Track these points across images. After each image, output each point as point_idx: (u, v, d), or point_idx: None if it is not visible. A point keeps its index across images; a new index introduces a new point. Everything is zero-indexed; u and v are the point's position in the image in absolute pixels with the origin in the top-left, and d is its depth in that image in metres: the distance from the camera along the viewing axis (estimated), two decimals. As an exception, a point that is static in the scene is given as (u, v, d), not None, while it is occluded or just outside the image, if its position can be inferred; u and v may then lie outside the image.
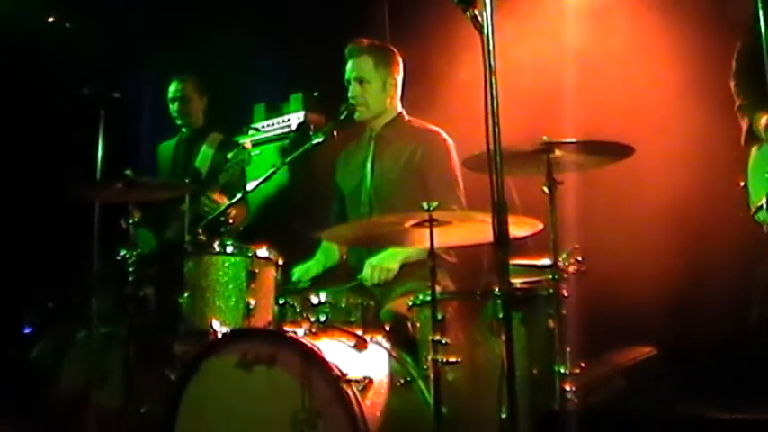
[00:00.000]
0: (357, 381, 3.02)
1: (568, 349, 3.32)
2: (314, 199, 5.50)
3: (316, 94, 6.02)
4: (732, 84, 3.96)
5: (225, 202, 4.74)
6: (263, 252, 3.71)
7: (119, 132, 5.34)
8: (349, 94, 4.42)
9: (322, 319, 3.52)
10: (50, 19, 5.34)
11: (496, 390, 3.26)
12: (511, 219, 3.10)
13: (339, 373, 2.96)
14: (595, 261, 3.48)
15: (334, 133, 4.45)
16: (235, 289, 3.61)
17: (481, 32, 2.80)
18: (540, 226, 3.26)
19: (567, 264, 3.37)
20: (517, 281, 3.45)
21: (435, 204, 3.14)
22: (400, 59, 4.54)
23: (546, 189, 3.30)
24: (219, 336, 3.32)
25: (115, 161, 4.57)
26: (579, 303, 3.56)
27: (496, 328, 3.33)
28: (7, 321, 6.20)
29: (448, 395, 3.16)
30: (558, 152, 3.29)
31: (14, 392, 5.53)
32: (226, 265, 3.62)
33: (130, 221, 3.86)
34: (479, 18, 2.82)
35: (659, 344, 3.96)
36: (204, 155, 5.50)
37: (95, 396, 4.17)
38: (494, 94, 2.77)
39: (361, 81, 4.40)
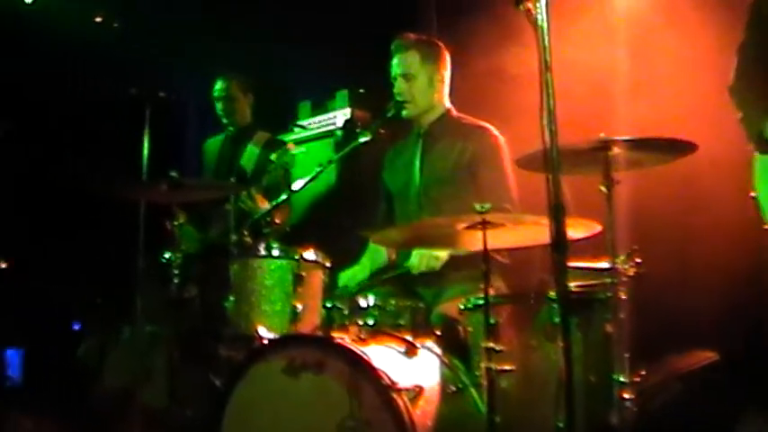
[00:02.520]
0: (407, 389, 2.91)
1: (627, 355, 3.19)
2: (363, 198, 5.40)
3: (361, 90, 5.93)
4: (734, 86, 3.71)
5: (265, 203, 4.66)
6: (310, 255, 3.61)
7: (166, 131, 5.35)
8: (395, 91, 4.31)
9: (370, 323, 3.42)
10: (98, 19, 5.35)
11: (552, 398, 3.16)
12: (569, 220, 3.03)
13: (389, 382, 2.86)
14: (654, 263, 3.34)
15: (381, 131, 4.37)
16: (281, 293, 3.52)
17: (535, 27, 2.67)
18: (599, 228, 3.12)
19: (625, 266, 3.23)
20: (573, 284, 3.32)
21: (488, 206, 3.02)
22: (447, 54, 4.42)
23: (603, 188, 3.16)
24: (266, 341, 3.23)
25: (162, 160, 4.54)
26: (638, 307, 3.44)
27: (551, 333, 3.21)
28: (57, 318, 6.25)
29: (501, 403, 3.05)
30: (615, 150, 3.15)
31: (60, 389, 5.57)
32: (272, 268, 3.54)
33: (175, 222, 3.79)
34: (533, 12, 2.69)
35: (721, 349, 3.79)
36: (250, 154, 5.44)
37: (139, 395, 4.13)
38: (549, 90, 2.64)
39: (407, 77, 4.28)
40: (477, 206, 3.02)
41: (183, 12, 6.30)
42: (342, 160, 5.59)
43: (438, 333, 3.50)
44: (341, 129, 5.82)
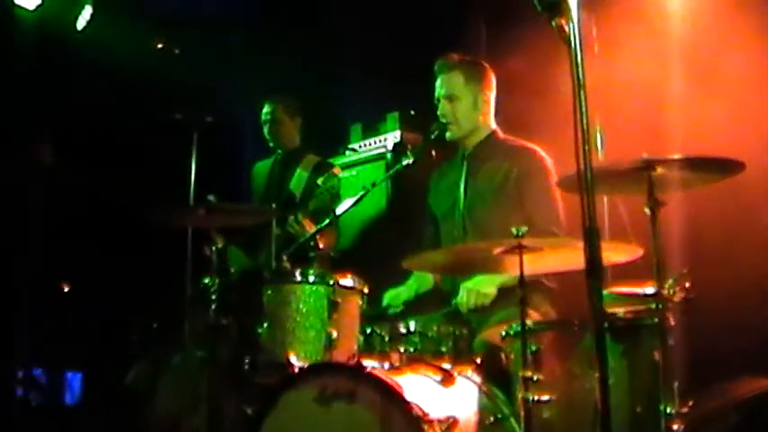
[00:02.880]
0: (440, 421, 2.81)
1: (676, 384, 3.04)
2: (413, 220, 5.32)
3: (412, 112, 5.86)
4: None
5: (313, 227, 4.60)
6: (346, 281, 3.54)
7: (216, 155, 5.37)
8: (439, 112, 4.24)
9: (411, 349, 3.34)
10: (159, 45, 5.39)
11: (595, 429, 3.03)
12: (608, 244, 2.90)
13: (420, 413, 2.76)
14: (705, 286, 3.19)
15: (432, 152, 4.32)
16: (316, 319, 3.44)
17: (568, 44, 2.57)
18: (640, 252, 2.99)
19: (673, 291, 3.08)
20: (619, 310, 3.19)
21: (524, 230, 2.92)
22: (492, 74, 4.33)
23: (648, 210, 3.03)
24: (297, 369, 3.16)
25: (211, 184, 4.53)
26: (689, 332, 3.28)
27: (595, 361, 3.08)
28: (115, 341, 6.31)
29: (543, 433, 2.94)
30: (660, 170, 3.01)
31: (111, 414, 5.60)
32: (306, 294, 3.46)
33: (213, 247, 3.76)
34: (565, 29, 2.58)
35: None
36: (299, 177, 5.42)
37: (187, 423, 4.10)
38: (583, 109, 2.53)
39: (451, 98, 4.21)
40: (514, 230, 2.91)
41: (237, 35, 6.35)
42: (392, 183, 5.60)
43: (478, 361, 3.38)
44: (391, 151, 5.76)
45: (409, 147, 5.26)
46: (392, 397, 2.84)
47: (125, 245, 6.01)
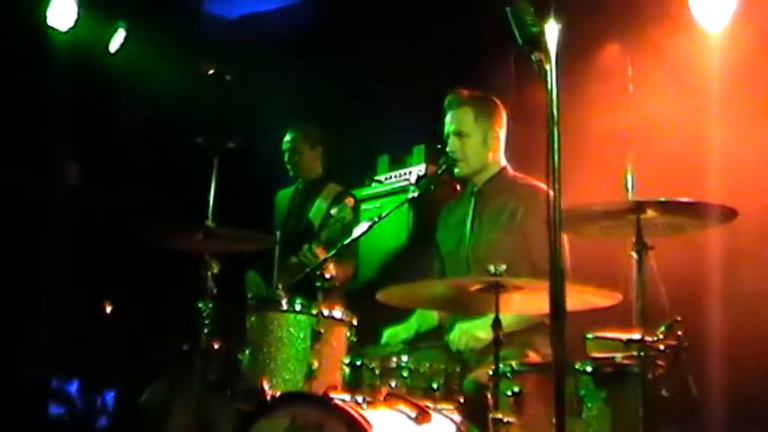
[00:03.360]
0: (404, 457, 2.76)
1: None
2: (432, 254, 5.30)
3: (439, 146, 5.83)
4: None
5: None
6: (333, 312, 3.51)
7: (237, 181, 5.40)
8: (448, 149, 4.21)
9: (400, 384, 3.30)
10: (210, 71, 5.45)
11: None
12: (587, 289, 2.86)
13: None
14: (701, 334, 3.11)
15: (456, 187, 4.33)
16: (297, 349, 3.42)
17: (544, 79, 2.53)
18: (619, 297, 2.91)
19: (664, 338, 3.00)
20: (605, 355, 3.11)
21: (503, 268, 2.87)
22: (504, 111, 4.28)
23: (634, 254, 2.96)
24: (269, 397, 3.14)
25: (233, 210, 4.56)
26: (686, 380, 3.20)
27: (577, 406, 3.02)
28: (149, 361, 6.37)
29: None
30: (648, 212, 2.95)
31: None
32: (289, 322, 3.45)
33: (208, 272, 3.77)
34: (543, 63, 2.55)
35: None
36: (318, 207, 5.43)
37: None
38: (555, 146, 2.48)
39: (460, 134, 4.17)
40: (492, 267, 2.87)
41: (269, 62, 6.41)
42: (413, 215, 5.59)
43: (461, 400, 3.32)
44: (413, 185, 5.73)
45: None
46: (356, 429, 2.79)
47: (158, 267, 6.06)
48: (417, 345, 4.02)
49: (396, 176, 5.97)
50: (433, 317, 4.27)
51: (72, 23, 5.59)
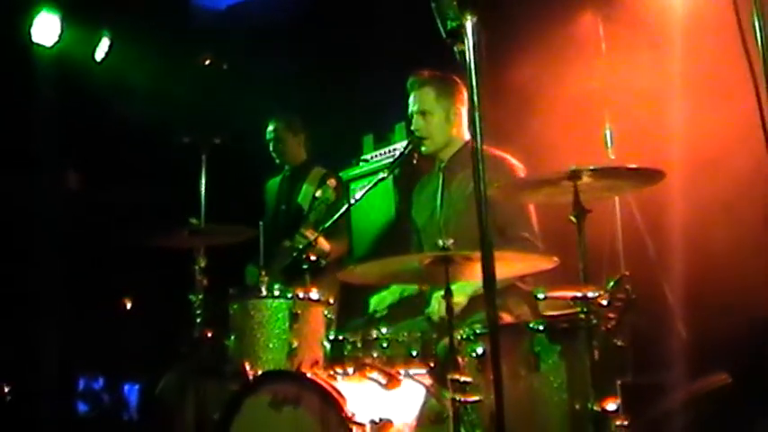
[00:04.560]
0: (373, 422, 3.04)
1: (619, 382, 3.22)
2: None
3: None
4: None
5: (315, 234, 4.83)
6: (308, 294, 3.79)
7: (228, 175, 5.64)
8: (412, 128, 4.44)
9: (376, 355, 3.57)
10: (207, 62, 5.65)
11: (538, 426, 3.22)
12: (528, 256, 3.10)
13: (347, 415, 3.00)
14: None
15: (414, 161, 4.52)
16: (276, 331, 3.72)
17: (466, 69, 2.76)
18: (556, 260, 3.17)
19: (613, 292, 3.25)
20: (556, 312, 3.37)
21: (450, 242, 3.13)
22: (464, 88, 4.49)
23: (573, 218, 3.20)
24: (251, 377, 3.43)
25: (227, 204, 4.79)
26: (638, 331, 3.44)
27: (533, 362, 3.27)
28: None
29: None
30: (585, 179, 3.18)
31: (143, 424, 5.92)
32: (267, 307, 3.74)
33: (196, 267, 4.05)
34: (467, 55, 2.78)
35: (733, 371, 3.71)
36: (306, 191, 5.65)
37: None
38: (478, 130, 2.73)
39: (423, 113, 4.40)
40: (440, 242, 3.11)
41: (255, 51, 6.59)
42: (398, 194, 5.83)
43: (432, 364, 3.58)
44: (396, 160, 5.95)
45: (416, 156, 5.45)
46: (330, 400, 3.08)
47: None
48: (397, 320, 4.25)
49: (381, 154, 6.20)
50: None
51: (56, 38, 5.83)
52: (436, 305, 4.05)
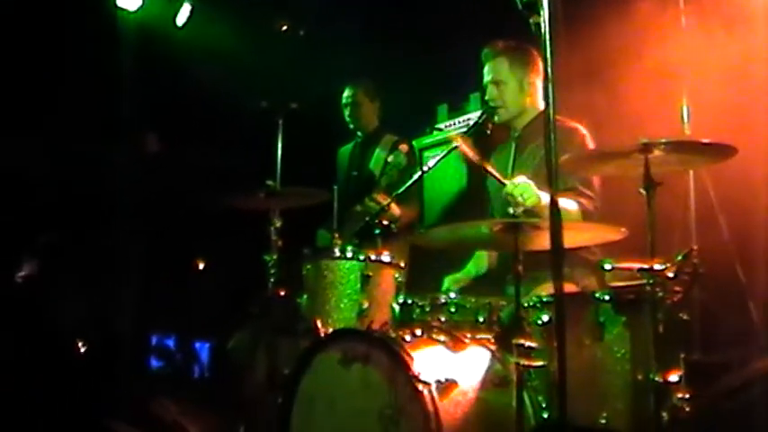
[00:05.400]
0: (438, 381, 3.13)
1: (682, 356, 3.25)
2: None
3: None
4: None
5: (387, 199, 4.88)
6: (380, 256, 3.88)
7: (300, 141, 5.76)
8: (486, 97, 4.49)
9: (444, 319, 3.66)
10: (284, 27, 5.76)
11: (599, 394, 3.28)
12: (594, 225, 3.14)
13: (414, 374, 3.09)
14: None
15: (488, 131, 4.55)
16: (348, 291, 3.83)
17: (542, 40, 2.80)
18: (625, 231, 3.20)
19: (680, 266, 3.27)
20: (623, 283, 3.40)
21: (520, 210, 3.19)
22: (539, 59, 4.51)
23: (643, 191, 3.22)
24: (322, 334, 3.55)
25: (301, 169, 4.90)
26: (708, 308, 3.46)
27: (597, 331, 3.32)
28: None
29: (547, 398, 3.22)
30: (655, 152, 3.20)
31: (214, 380, 6.10)
32: (339, 268, 3.85)
33: (272, 228, 4.17)
34: (542, 26, 2.82)
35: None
36: (378, 157, 5.75)
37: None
38: (551, 102, 2.77)
39: (497, 83, 4.45)
40: (510, 210, 3.18)
41: (329, 18, 6.66)
42: (468, 165, 5.87)
43: (497, 329, 3.65)
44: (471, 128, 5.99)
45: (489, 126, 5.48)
46: (398, 359, 3.18)
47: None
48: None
49: (455, 124, 6.24)
50: (484, 261, 4.60)
51: (140, 3, 5.99)
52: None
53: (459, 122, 6.22)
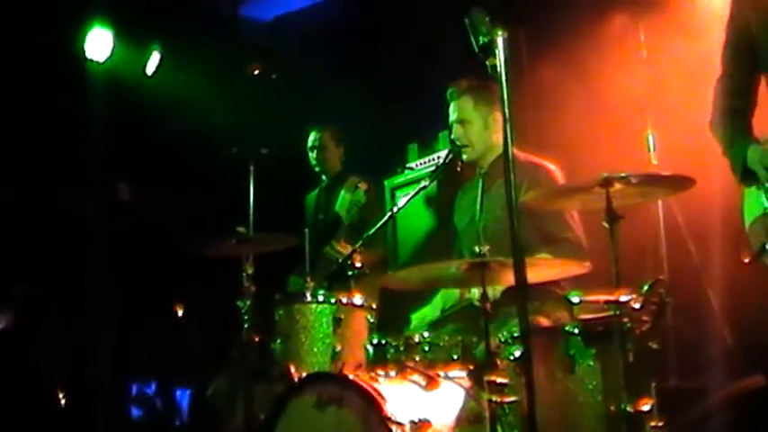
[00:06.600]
0: (412, 422, 3.15)
1: (654, 384, 3.28)
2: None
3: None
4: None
5: (347, 248, 4.94)
6: (351, 299, 3.92)
7: (271, 185, 5.78)
8: (452, 136, 4.55)
9: (418, 358, 3.68)
10: (256, 72, 5.80)
11: (572, 427, 3.30)
12: (559, 261, 3.18)
13: (387, 415, 3.12)
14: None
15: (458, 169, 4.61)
16: (320, 335, 3.86)
17: (498, 83, 2.87)
18: (588, 266, 3.26)
19: (646, 296, 3.31)
20: (591, 316, 3.44)
21: (486, 248, 3.23)
22: (501, 96, 4.59)
23: (606, 224, 3.28)
24: (296, 379, 3.57)
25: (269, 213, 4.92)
26: (681, 336, 3.50)
27: (569, 364, 3.35)
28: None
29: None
30: (617, 185, 3.26)
31: (194, 428, 6.07)
32: (311, 312, 3.88)
33: (244, 274, 4.20)
34: (498, 68, 2.89)
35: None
36: (342, 199, 5.73)
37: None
38: (509, 141, 2.83)
39: (462, 122, 4.50)
40: (476, 248, 3.22)
41: (298, 61, 6.74)
42: (438, 203, 5.92)
43: (471, 367, 3.68)
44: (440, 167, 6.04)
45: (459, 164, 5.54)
46: (371, 401, 3.20)
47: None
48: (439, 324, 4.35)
49: (425, 162, 6.29)
50: (455, 293, 4.57)
51: (109, 53, 6.04)
52: (476, 291, 4.01)
53: (430, 161, 6.27)
